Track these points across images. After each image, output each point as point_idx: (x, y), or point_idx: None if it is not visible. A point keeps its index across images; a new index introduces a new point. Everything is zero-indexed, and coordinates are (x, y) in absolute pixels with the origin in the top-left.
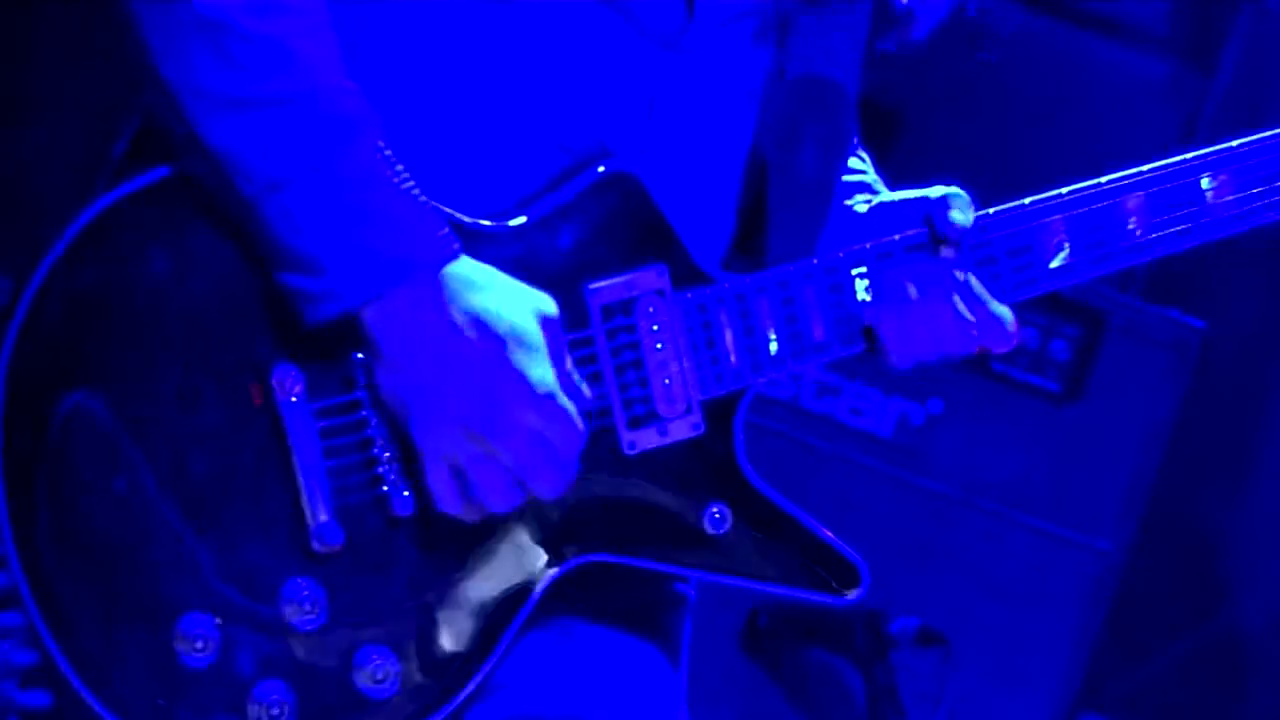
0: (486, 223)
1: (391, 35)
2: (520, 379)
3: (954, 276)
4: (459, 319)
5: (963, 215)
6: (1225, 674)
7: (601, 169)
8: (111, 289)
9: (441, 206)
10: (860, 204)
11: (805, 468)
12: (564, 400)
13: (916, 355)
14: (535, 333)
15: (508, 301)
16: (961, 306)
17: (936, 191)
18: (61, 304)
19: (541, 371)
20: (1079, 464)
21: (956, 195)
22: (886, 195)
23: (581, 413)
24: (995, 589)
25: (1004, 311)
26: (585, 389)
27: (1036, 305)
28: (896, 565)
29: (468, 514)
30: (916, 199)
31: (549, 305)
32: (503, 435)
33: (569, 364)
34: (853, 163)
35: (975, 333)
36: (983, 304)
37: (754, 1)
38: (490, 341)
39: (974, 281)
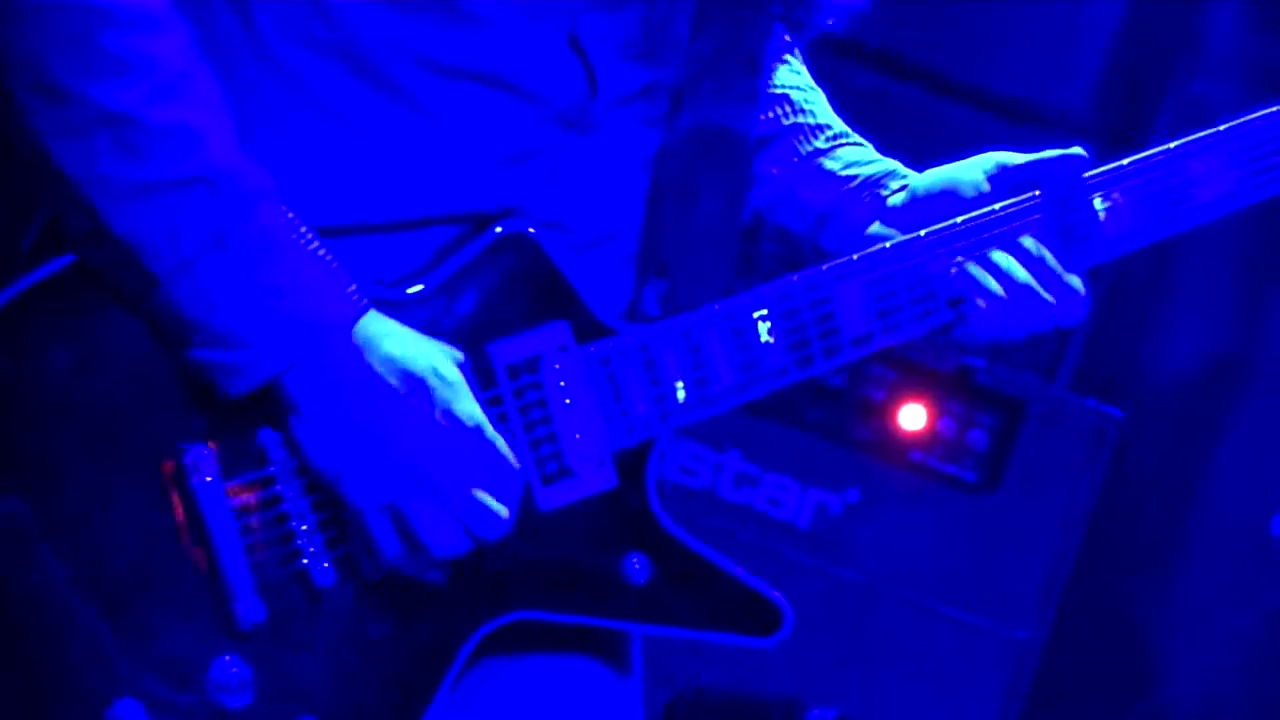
0: (390, 290)
1: (292, 112)
2: (447, 414)
3: (1031, 253)
4: (379, 367)
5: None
6: None
7: (498, 229)
8: (16, 383)
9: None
10: (894, 194)
11: None
12: (492, 433)
13: (998, 333)
14: (454, 371)
15: (421, 347)
16: (1036, 284)
17: (970, 175)
18: None
19: (467, 406)
20: (997, 553)
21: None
22: (918, 180)
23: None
24: (914, 678)
25: (1076, 282)
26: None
27: (954, 394)
28: (815, 655)
29: (414, 565)
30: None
31: (456, 354)
32: (440, 472)
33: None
34: (857, 153)
35: (1053, 308)
36: (1057, 277)
37: (655, 75)
38: (412, 383)
39: (1048, 256)
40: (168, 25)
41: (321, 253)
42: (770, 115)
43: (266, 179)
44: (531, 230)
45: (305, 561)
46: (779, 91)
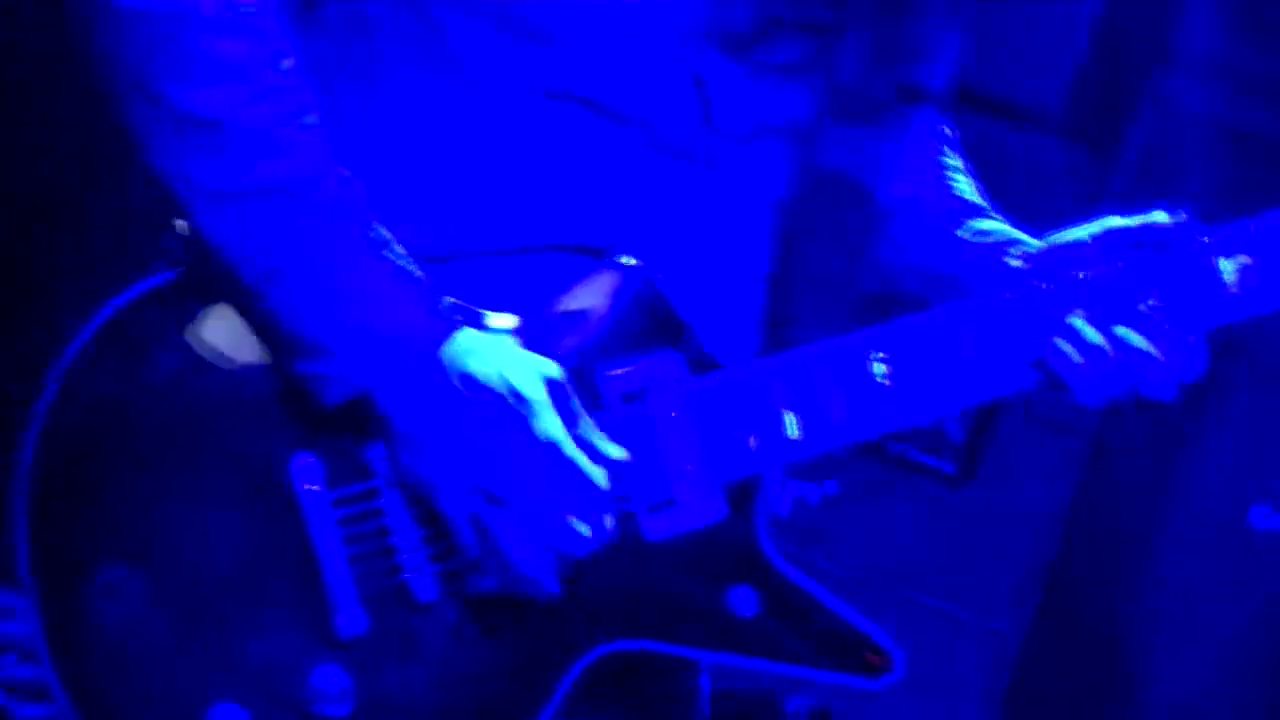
0: (497, 316)
1: (398, 132)
2: (523, 432)
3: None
4: (459, 384)
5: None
6: None
7: (610, 259)
8: (129, 388)
9: (449, 298)
10: (1014, 259)
11: None
12: (572, 450)
13: (1107, 394)
14: (536, 389)
15: (508, 364)
16: (1146, 344)
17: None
18: (81, 407)
19: (545, 424)
20: (975, 544)
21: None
22: (1032, 244)
23: (618, 470)
24: None
25: (1195, 342)
26: (615, 449)
27: None
28: None
29: (503, 580)
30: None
31: (553, 369)
32: (517, 489)
33: (584, 425)
34: (987, 223)
35: (1167, 367)
36: (1173, 336)
37: (780, 116)
38: (489, 399)
39: (1162, 316)
40: (262, 33)
41: (411, 268)
42: (907, 179)
43: (358, 190)
44: (642, 261)
45: (407, 575)
46: (919, 158)
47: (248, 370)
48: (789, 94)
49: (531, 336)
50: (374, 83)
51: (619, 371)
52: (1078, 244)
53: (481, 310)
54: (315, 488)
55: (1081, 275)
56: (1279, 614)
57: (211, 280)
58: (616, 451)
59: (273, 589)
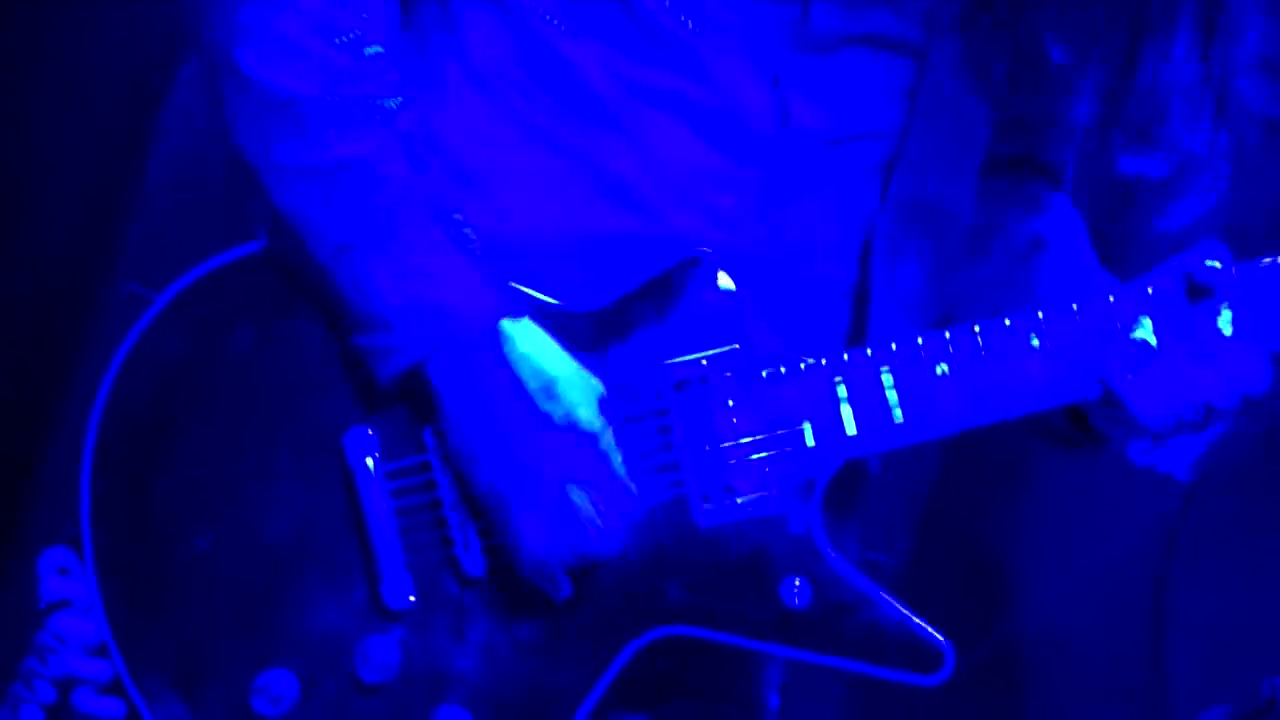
0: (560, 304)
1: (485, 122)
2: (569, 418)
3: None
4: (514, 364)
5: (1218, 261)
6: (1003, 690)
7: (687, 251)
8: (196, 356)
9: (525, 289)
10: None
11: None
12: (608, 444)
13: (1169, 409)
14: (583, 383)
15: (559, 356)
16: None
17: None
18: (149, 376)
19: (589, 414)
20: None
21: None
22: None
23: (654, 473)
24: None
25: (1263, 354)
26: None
27: None
28: None
29: (522, 566)
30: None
31: (597, 384)
32: (549, 472)
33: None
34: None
35: (1231, 379)
36: (1235, 347)
37: (860, 126)
38: (542, 382)
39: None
40: (344, 19)
41: (474, 249)
42: (993, 206)
43: (430, 173)
44: (709, 251)
45: (455, 549)
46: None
47: (313, 343)
48: (869, 105)
49: (597, 322)
50: (464, 72)
51: (680, 360)
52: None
53: (543, 296)
54: (371, 459)
55: (1150, 290)
56: (1152, 548)
57: (283, 255)
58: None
59: (325, 559)
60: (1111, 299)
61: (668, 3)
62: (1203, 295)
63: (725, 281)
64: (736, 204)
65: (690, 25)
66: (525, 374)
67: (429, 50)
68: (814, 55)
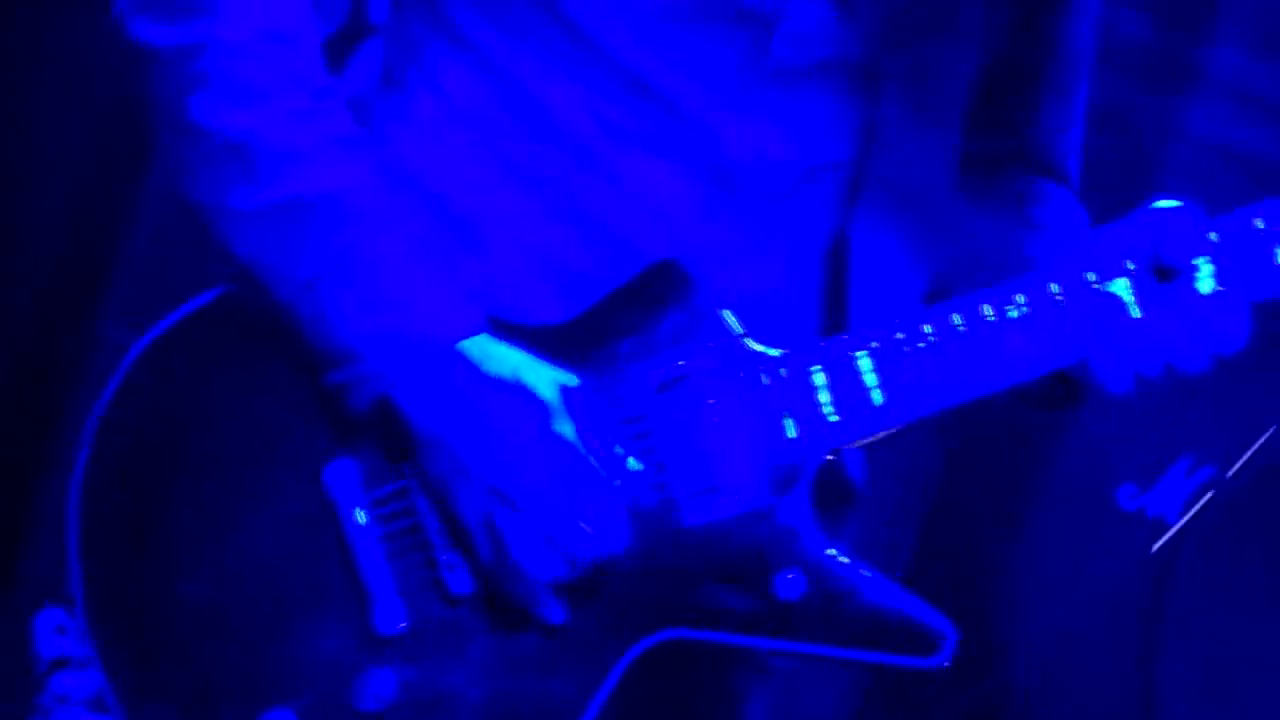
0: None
1: (463, 153)
2: (540, 433)
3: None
4: (477, 385)
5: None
6: None
7: (655, 260)
8: (172, 402)
9: (494, 316)
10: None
11: None
12: (585, 452)
13: (1133, 371)
14: (551, 393)
15: (523, 369)
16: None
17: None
18: (129, 425)
19: (560, 426)
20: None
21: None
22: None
23: (641, 484)
24: None
25: (1240, 312)
26: (633, 462)
27: None
28: None
29: (515, 584)
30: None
31: (569, 378)
32: (529, 490)
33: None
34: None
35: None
36: (1215, 305)
37: (834, 155)
38: (506, 402)
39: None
40: (287, 56)
41: (434, 273)
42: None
43: (382, 198)
44: (677, 259)
45: (441, 570)
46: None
47: (286, 383)
48: (838, 132)
49: (567, 334)
50: (438, 99)
51: (655, 362)
52: (1124, 225)
53: (506, 316)
54: (353, 491)
55: (1131, 266)
56: (1138, 593)
57: (247, 300)
58: (632, 464)
59: (316, 595)
60: (1092, 278)
61: (633, 43)
62: (1173, 275)
63: (696, 282)
64: (714, 237)
65: (658, 63)
66: (489, 395)
67: (404, 86)
68: (779, 88)
